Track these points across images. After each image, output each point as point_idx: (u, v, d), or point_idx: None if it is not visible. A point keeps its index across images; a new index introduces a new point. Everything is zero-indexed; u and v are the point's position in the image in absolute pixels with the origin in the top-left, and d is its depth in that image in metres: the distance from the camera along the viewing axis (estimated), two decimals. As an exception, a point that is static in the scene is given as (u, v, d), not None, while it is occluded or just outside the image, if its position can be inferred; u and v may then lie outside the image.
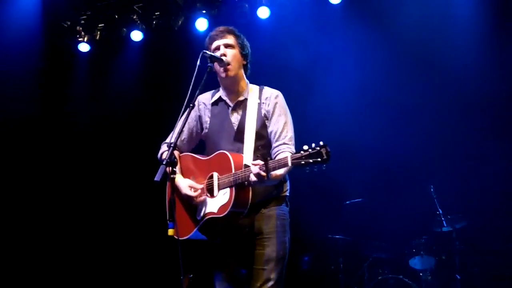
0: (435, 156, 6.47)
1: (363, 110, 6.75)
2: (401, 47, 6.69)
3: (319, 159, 2.85)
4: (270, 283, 3.27)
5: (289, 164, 2.94)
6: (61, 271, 7.31)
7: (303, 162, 2.88)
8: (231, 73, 3.45)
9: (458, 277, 5.92)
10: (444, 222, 6.03)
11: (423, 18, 6.57)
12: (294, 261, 6.70)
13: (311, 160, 2.86)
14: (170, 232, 3.11)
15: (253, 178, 3.03)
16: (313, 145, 2.89)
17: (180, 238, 3.31)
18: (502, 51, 6.33)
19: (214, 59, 3.41)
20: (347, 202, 6.54)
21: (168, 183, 3.49)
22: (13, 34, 6.98)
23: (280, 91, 3.57)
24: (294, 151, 3.34)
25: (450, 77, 6.54)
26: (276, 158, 3.22)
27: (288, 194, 3.49)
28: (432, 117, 6.66)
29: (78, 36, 7.78)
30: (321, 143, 2.88)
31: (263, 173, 2.99)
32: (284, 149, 3.34)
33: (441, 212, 6.06)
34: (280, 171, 3.12)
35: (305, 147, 2.90)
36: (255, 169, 3.01)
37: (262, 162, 3.00)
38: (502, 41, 6.33)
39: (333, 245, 6.58)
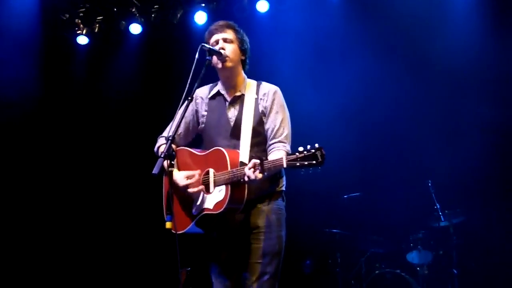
0: (433, 151, 6.47)
1: (362, 103, 6.74)
2: (401, 42, 6.68)
3: (314, 162, 2.84)
4: (266, 277, 3.27)
5: (284, 165, 2.93)
6: (57, 263, 7.32)
7: (298, 164, 2.87)
8: (228, 64, 3.43)
9: (455, 271, 5.94)
10: (441, 217, 6.04)
11: (421, 16, 6.56)
12: (294, 264, 6.76)
13: (305, 163, 2.85)
14: (168, 225, 3.13)
15: (248, 177, 3.02)
16: (308, 147, 2.88)
17: (177, 232, 3.33)
18: (499, 47, 6.31)
19: (213, 52, 3.39)
20: (345, 196, 6.54)
21: (165, 177, 3.49)
22: (11, 26, 6.96)
23: (278, 85, 3.56)
24: (290, 149, 3.35)
25: (448, 73, 6.53)
26: (270, 156, 3.24)
27: (284, 189, 3.48)
28: (431, 112, 6.66)
29: (76, 28, 7.76)
30: (316, 145, 2.87)
31: (258, 175, 2.98)
32: (279, 147, 3.33)
33: (438, 207, 6.07)
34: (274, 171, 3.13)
35: (300, 149, 2.90)
36: (250, 170, 3.00)
37: (258, 162, 2.99)
38: (501, 37, 6.32)
39: (330, 239, 6.59)
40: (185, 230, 3.39)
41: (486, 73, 6.37)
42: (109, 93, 7.76)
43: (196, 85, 3.32)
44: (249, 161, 3.10)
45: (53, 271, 7.27)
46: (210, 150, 3.37)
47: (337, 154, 4.92)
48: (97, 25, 7.73)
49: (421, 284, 6.09)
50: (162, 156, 3.06)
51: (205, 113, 3.57)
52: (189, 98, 3.28)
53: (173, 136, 3.18)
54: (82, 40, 7.77)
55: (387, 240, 6.42)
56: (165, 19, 7.45)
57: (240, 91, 3.51)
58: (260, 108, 3.44)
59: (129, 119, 7.64)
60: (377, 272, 6.27)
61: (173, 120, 3.33)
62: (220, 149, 3.28)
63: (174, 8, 7.38)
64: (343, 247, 6.56)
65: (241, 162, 3.20)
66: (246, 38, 3.57)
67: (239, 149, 3.29)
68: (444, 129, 6.57)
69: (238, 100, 3.49)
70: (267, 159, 3.04)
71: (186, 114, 3.47)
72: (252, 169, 2.99)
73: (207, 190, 3.29)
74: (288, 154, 3.01)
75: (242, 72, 3.57)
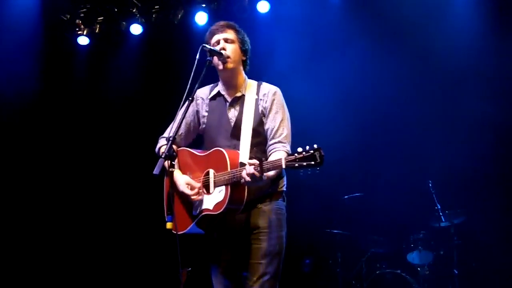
0: (434, 151, 6.47)
1: (363, 103, 6.74)
2: (401, 42, 6.68)
3: (313, 163, 2.84)
4: (267, 277, 3.27)
5: (283, 166, 2.93)
6: (58, 263, 7.33)
7: (296, 165, 2.87)
8: (229, 65, 3.43)
9: (456, 272, 5.94)
10: (442, 217, 6.05)
11: (421, 13, 6.56)
12: (295, 264, 6.76)
13: (304, 163, 2.85)
14: (169, 225, 3.13)
15: (247, 178, 3.02)
16: (307, 147, 2.88)
17: (177, 233, 3.33)
18: (501, 45, 6.31)
19: (214, 53, 3.39)
20: (346, 197, 6.54)
21: (166, 177, 3.50)
22: (12, 26, 6.97)
23: (279, 86, 3.56)
24: (289, 149, 3.35)
25: (449, 71, 6.53)
26: (270, 158, 3.24)
27: (285, 189, 3.48)
28: (432, 112, 6.66)
29: (77, 29, 7.77)
30: (315, 146, 2.87)
31: (257, 173, 2.99)
32: (279, 147, 3.33)
33: (439, 207, 6.08)
34: (273, 172, 3.13)
35: (299, 149, 2.90)
36: (249, 170, 3.01)
37: (257, 163, 2.99)
38: (501, 35, 6.31)
39: (331, 239, 6.59)
40: (185, 231, 3.39)
41: (486, 72, 6.37)
42: (109, 94, 7.76)
43: (196, 85, 3.31)
44: (249, 161, 3.11)
45: (54, 271, 7.27)
46: (210, 151, 3.37)
47: (337, 154, 4.93)
48: (98, 26, 7.75)
49: (422, 284, 6.10)
50: (163, 156, 3.06)
51: (206, 113, 3.57)
52: (190, 98, 3.28)
53: (174, 137, 3.19)
54: (83, 40, 7.77)
55: (387, 240, 6.43)
56: (166, 20, 7.45)
57: (240, 91, 3.50)
58: (260, 109, 3.44)
59: (130, 120, 7.64)
60: (377, 272, 6.28)
61: (174, 121, 3.34)
62: (220, 150, 3.28)
63: (175, 8, 7.37)
64: (343, 247, 6.57)
65: (241, 162, 3.20)
66: (247, 39, 3.57)
67: (239, 150, 3.30)
68: (444, 129, 6.57)
69: (238, 100, 3.49)
70: (266, 159, 3.04)
71: (187, 114, 3.46)
72: (252, 168, 3.00)
73: (207, 191, 3.29)
74: (287, 155, 3.01)
75: (243, 72, 3.57)
